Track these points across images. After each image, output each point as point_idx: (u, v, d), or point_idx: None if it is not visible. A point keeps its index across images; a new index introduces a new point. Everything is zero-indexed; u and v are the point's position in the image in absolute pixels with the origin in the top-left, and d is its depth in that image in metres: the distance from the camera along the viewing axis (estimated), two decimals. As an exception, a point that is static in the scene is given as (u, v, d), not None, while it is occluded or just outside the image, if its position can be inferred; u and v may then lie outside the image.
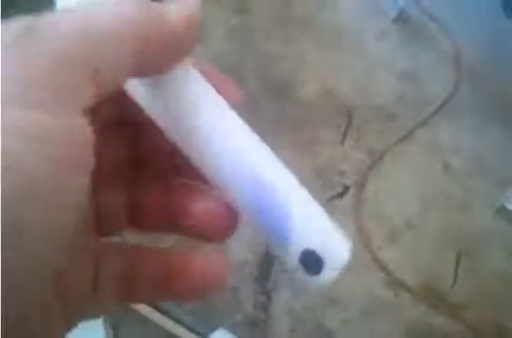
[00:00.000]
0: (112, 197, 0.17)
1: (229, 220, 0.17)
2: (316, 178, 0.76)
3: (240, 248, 0.70)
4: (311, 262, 0.15)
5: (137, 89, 0.16)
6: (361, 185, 0.76)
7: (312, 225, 0.15)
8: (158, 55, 0.14)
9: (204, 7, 0.15)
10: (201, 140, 0.15)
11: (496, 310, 0.67)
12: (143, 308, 0.66)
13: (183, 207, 0.17)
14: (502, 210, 0.75)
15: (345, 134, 0.80)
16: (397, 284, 0.69)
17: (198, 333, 0.65)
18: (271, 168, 0.16)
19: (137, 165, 0.18)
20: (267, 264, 0.70)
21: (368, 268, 0.70)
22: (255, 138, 0.16)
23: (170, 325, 0.66)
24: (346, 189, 0.74)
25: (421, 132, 0.81)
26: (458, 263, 0.68)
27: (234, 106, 0.16)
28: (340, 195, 0.74)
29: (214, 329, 0.65)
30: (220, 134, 0.15)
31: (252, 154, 0.15)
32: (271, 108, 0.82)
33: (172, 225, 0.18)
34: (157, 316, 0.66)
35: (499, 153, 0.80)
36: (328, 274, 0.15)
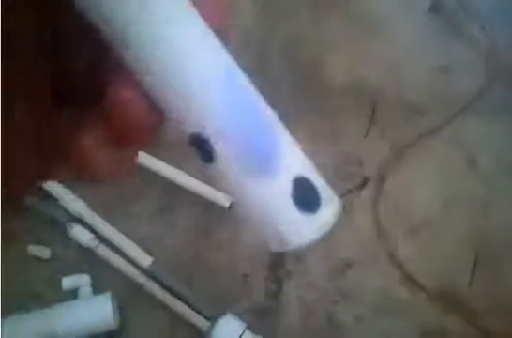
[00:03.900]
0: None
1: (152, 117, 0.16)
2: (335, 169, 0.74)
3: (253, 234, 0.69)
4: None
5: None
6: (382, 179, 0.75)
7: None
8: None
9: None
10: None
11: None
12: (152, 288, 0.66)
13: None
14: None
15: (369, 126, 0.78)
16: (412, 282, 0.68)
17: (206, 317, 0.65)
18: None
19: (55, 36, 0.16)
20: (280, 252, 0.69)
21: (383, 265, 0.68)
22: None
23: (179, 307, 0.65)
24: (365, 181, 0.72)
25: (448, 129, 0.79)
26: (475, 266, 0.67)
27: None
28: (359, 188, 0.72)
29: (223, 314, 0.64)
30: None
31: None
32: (293, 91, 0.79)
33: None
34: (166, 297, 0.66)
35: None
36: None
